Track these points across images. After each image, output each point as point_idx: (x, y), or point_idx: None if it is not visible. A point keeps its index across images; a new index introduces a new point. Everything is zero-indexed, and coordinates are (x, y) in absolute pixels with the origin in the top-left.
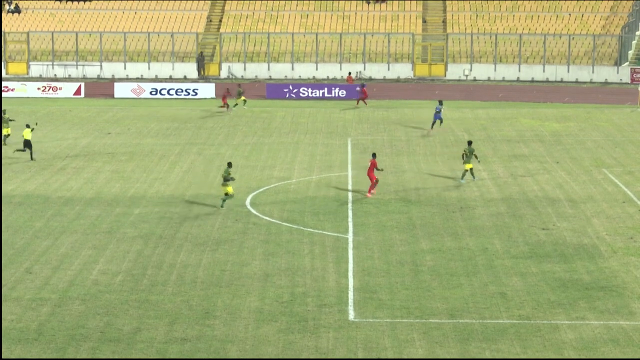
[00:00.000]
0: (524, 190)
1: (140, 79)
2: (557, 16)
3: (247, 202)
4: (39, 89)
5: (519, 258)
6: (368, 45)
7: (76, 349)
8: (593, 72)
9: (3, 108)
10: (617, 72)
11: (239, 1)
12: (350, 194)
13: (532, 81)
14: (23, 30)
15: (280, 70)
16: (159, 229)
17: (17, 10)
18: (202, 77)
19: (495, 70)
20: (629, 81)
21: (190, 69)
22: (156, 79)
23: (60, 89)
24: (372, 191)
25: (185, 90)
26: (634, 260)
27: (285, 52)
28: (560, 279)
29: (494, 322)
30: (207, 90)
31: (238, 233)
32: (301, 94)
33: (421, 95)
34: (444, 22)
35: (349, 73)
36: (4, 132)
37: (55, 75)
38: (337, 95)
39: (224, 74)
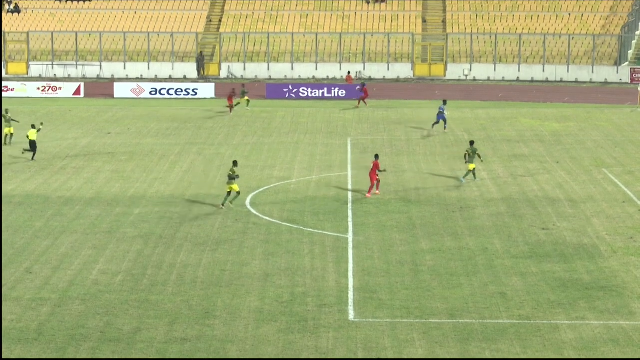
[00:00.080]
0: (524, 190)
1: (140, 79)
2: (557, 16)
3: (247, 202)
4: (38, 89)
5: (519, 258)
6: (368, 45)
7: (76, 349)
8: (593, 72)
9: (6, 108)
10: (617, 72)
11: (239, 1)
12: (350, 194)
13: (532, 81)
14: (23, 30)
15: (280, 70)
16: (159, 229)
17: (17, 10)
18: (202, 77)
19: (495, 70)
20: (629, 81)
21: (190, 68)
22: (156, 79)
23: (60, 89)
24: (374, 191)
25: (185, 90)
26: (634, 260)
27: (285, 52)
28: (560, 279)
29: (494, 322)
30: (207, 90)
31: (238, 233)
32: (301, 94)
33: (421, 95)
34: (444, 22)
35: (348, 72)
36: (6, 131)
37: (55, 75)
38: (337, 95)
39: (223, 74)
